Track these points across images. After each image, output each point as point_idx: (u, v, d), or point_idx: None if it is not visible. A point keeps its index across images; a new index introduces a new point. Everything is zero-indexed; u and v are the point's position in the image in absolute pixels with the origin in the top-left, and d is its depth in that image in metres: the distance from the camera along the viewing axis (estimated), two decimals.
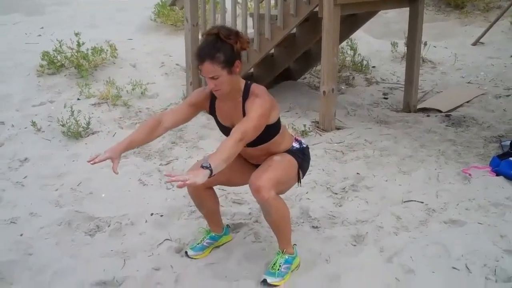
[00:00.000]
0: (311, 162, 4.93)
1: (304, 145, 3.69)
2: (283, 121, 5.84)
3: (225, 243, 3.94)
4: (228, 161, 3.00)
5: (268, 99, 3.29)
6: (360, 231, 3.95)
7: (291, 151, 3.57)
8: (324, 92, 5.67)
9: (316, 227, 4.03)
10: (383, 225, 4.00)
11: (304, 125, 5.66)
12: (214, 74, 3.15)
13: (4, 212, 4.56)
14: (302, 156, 3.62)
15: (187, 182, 2.77)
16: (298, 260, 3.63)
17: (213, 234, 3.88)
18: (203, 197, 3.70)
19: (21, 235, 4.22)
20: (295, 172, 3.55)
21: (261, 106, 3.22)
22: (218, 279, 3.57)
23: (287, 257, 3.55)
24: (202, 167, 2.88)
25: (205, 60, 3.14)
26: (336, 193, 4.49)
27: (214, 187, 3.74)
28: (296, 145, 3.62)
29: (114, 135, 5.76)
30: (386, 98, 7.24)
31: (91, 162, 3.19)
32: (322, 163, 5.01)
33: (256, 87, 3.35)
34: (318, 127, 5.75)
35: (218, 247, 3.89)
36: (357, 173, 4.78)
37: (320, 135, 5.60)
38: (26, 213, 4.51)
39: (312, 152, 5.15)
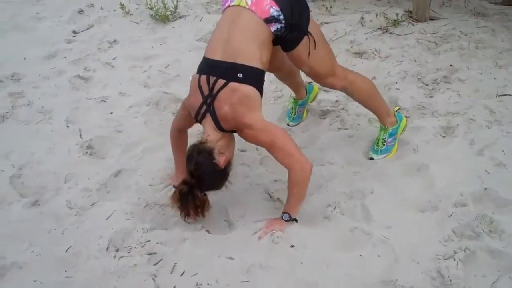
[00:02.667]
0: (402, 53, 4.82)
1: (278, 13, 2.90)
2: (374, 10, 5.65)
3: (316, 95, 4.09)
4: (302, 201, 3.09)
5: (248, 114, 2.91)
6: (451, 122, 3.83)
7: (283, 33, 2.97)
8: None
9: (405, 117, 3.93)
10: (475, 118, 3.85)
11: (397, 14, 5.42)
12: None
13: (95, 91, 4.69)
14: (293, 19, 2.94)
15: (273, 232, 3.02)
16: (404, 122, 3.66)
17: (300, 101, 4.01)
18: (283, 76, 3.86)
19: (111, 113, 4.34)
20: (315, 37, 3.07)
21: (260, 132, 2.94)
22: None
23: (390, 130, 3.56)
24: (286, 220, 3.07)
25: None
26: (427, 84, 4.33)
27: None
28: (274, 12, 2.89)
29: (201, 20, 5.72)
30: None
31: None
32: (414, 53, 4.82)
33: (224, 119, 2.94)
34: (411, 16, 5.50)
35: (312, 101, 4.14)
36: (450, 65, 4.57)
37: (413, 25, 5.36)
38: (115, 93, 4.62)
39: (404, 42, 5.02)
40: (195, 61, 4.66)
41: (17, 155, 3.87)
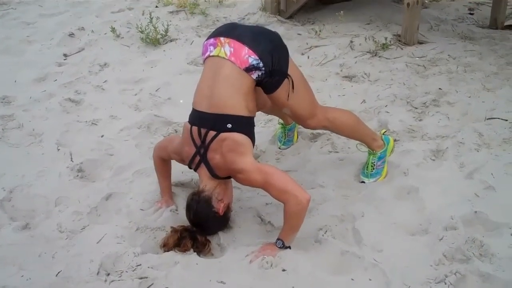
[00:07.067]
0: (391, 76, 4.87)
1: (257, 61, 2.96)
2: (363, 33, 5.72)
3: None
4: (298, 230, 3.04)
5: (239, 159, 2.96)
6: (440, 146, 3.86)
7: (263, 79, 3.02)
8: (408, 4, 5.44)
9: (395, 140, 3.95)
10: (464, 141, 3.88)
11: (385, 38, 5.49)
12: None
13: (85, 114, 4.69)
14: (272, 69, 3.00)
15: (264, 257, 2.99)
16: (392, 144, 3.70)
17: (289, 126, 4.05)
18: (268, 112, 3.94)
19: (102, 136, 4.34)
20: (294, 79, 3.10)
21: (253, 175, 2.94)
22: None
23: (379, 153, 3.59)
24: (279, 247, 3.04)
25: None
26: (416, 108, 4.37)
27: None
28: (253, 61, 2.95)
29: (191, 43, 5.76)
30: (472, 14, 6.91)
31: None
32: (403, 77, 4.87)
33: (217, 168, 3.03)
34: (399, 40, 5.57)
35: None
36: (439, 88, 4.62)
37: (402, 49, 5.42)
38: (106, 116, 4.63)
39: (393, 66, 5.07)
40: (186, 84, 4.76)
41: (8, 178, 3.85)
